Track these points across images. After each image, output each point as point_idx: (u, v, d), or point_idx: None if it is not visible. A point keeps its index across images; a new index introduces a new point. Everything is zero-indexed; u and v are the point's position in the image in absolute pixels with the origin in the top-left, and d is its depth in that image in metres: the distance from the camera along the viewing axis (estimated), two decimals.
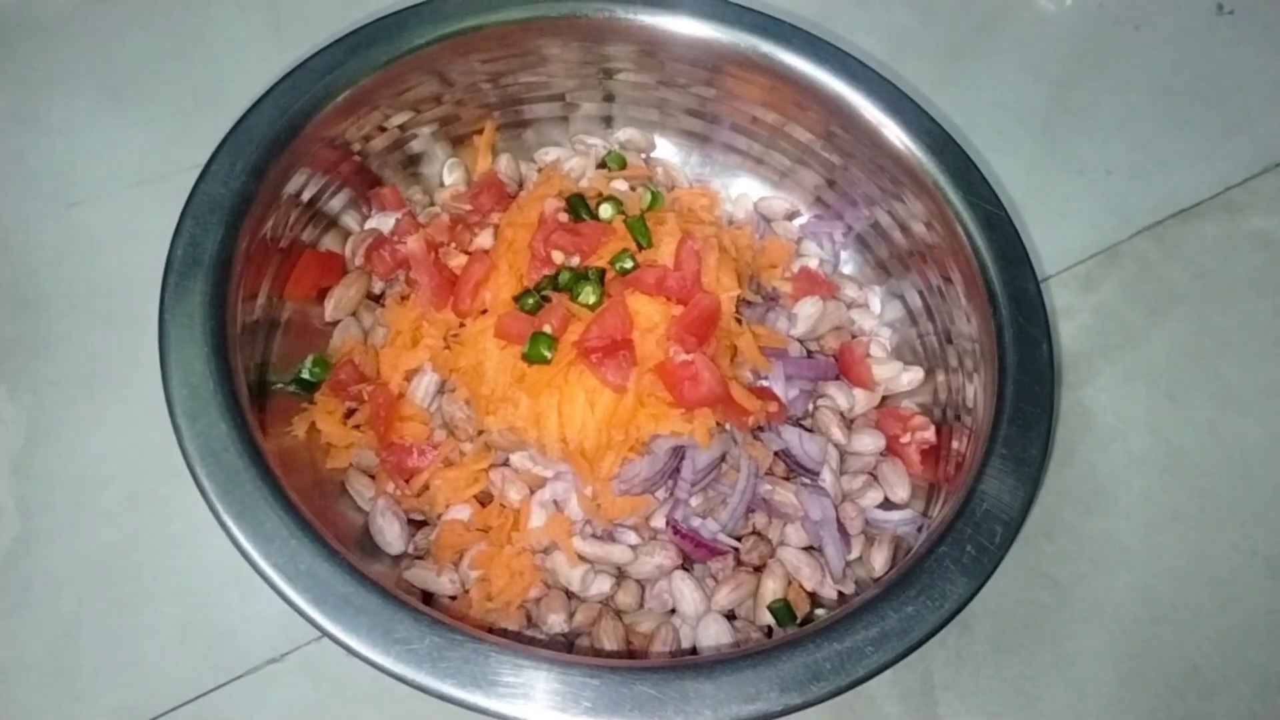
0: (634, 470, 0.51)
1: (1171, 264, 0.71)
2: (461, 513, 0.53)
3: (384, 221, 0.60)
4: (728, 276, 0.55)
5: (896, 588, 0.44)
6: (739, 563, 0.53)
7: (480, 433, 0.53)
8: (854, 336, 0.62)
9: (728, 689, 0.40)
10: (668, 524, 0.52)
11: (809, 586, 0.52)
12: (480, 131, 0.65)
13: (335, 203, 0.59)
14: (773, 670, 0.41)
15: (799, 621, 0.51)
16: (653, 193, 0.61)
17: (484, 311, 0.55)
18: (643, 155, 0.68)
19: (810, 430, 0.56)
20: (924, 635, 0.43)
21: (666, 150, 0.69)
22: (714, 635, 0.50)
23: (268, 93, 0.54)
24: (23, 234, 0.63)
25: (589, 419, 0.50)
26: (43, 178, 0.65)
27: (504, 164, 0.65)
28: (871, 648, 0.42)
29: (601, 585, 0.51)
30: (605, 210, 0.58)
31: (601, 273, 0.54)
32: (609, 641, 0.50)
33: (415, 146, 0.63)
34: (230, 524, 0.42)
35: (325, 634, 0.41)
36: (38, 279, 0.61)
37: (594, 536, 0.52)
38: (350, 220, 0.61)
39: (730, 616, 0.52)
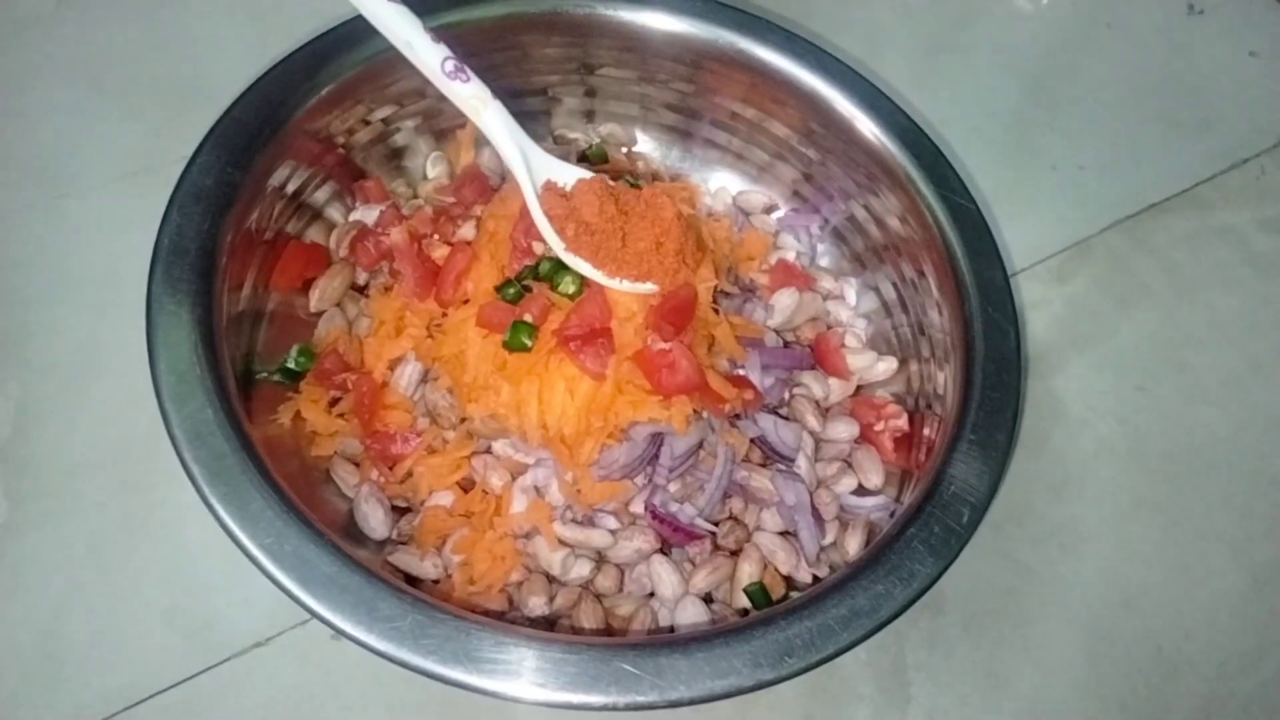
0: (613, 456, 0.52)
1: (1141, 258, 0.73)
2: (444, 499, 0.54)
3: (368, 214, 0.61)
4: (705, 268, 0.56)
5: (866, 567, 0.45)
6: (716, 547, 0.54)
7: (462, 420, 0.54)
8: (829, 327, 0.63)
9: (702, 665, 0.42)
10: (646, 509, 0.53)
11: (784, 570, 0.53)
12: (463, 125, 0.65)
13: (320, 195, 0.60)
14: (746, 647, 0.42)
15: (774, 604, 0.53)
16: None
17: (466, 301, 0.55)
18: (624, 149, 0.69)
19: (786, 418, 0.58)
20: (892, 613, 0.44)
21: (647, 145, 0.70)
22: (691, 617, 0.51)
23: (253, 86, 0.54)
24: (10, 225, 0.63)
25: (569, 406, 0.51)
26: (30, 169, 0.65)
27: (486, 157, 0.65)
28: (841, 625, 0.43)
29: (581, 569, 0.52)
30: None
31: None
32: (589, 624, 0.51)
33: (399, 140, 0.64)
34: (217, 506, 0.43)
35: (310, 612, 0.42)
36: (25, 269, 0.62)
37: (574, 521, 0.53)
38: (335, 212, 0.62)
39: (708, 599, 0.53)
